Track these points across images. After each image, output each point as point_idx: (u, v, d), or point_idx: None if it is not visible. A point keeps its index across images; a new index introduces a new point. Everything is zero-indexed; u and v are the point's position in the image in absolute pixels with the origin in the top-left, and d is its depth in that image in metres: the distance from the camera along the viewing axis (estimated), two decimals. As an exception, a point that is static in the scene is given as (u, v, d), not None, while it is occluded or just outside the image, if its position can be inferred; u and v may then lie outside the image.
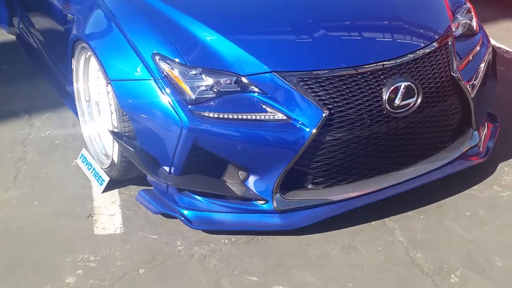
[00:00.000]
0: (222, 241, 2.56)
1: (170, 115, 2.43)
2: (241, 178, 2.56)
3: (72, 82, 3.18)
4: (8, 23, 4.83)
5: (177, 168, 2.51)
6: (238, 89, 2.47)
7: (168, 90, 2.44)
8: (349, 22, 2.78)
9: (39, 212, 2.74)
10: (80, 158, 3.12)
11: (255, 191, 2.53)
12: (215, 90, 2.45)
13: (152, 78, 2.48)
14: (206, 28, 2.57)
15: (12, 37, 4.76)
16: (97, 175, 2.95)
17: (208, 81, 2.45)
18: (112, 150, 2.76)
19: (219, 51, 2.52)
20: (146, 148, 2.57)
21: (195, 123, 2.40)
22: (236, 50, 2.52)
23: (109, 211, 2.75)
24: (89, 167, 3.03)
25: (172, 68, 2.46)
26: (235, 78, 2.46)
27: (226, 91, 2.46)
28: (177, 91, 2.44)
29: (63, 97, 3.73)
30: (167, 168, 2.54)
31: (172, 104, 2.43)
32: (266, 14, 2.76)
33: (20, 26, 4.62)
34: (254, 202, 2.55)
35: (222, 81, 2.46)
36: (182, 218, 2.56)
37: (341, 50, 2.59)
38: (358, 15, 2.82)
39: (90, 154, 3.07)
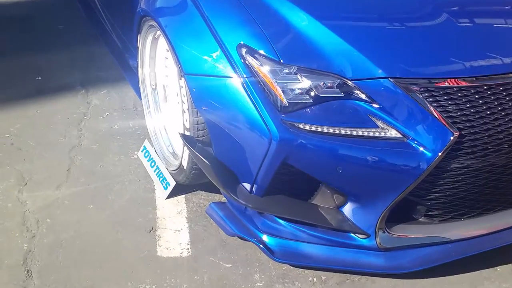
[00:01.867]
0: (310, 279, 2.11)
1: (256, 123, 1.95)
2: (336, 203, 2.10)
3: (137, 64, 2.73)
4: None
5: (261, 187, 2.05)
6: (342, 95, 1.95)
7: (255, 93, 1.95)
8: (492, 19, 2.20)
9: (95, 219, 2.34)
10: (142, 151, 2.70)
11: (354, 222, 2.06)
12: (312, 94, 1.94)
13: (236, 76, 1.99)
14: (307, 17, 2.04)
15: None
16: (161, 176, 2.53)
17: (305, 83, 1.94)
18: (182, 154, 2.32)
19: (320, 47, 1.98)
20: (223, 159, 2.12)
21: (287, 136, 1.91)
22: (343, 47, 1.98)
23: (174, 225, 2.34)
24: (152, 164, 2.61)
25: (261, 65, 1.96)
26: (338, 81, 1.94)
27: (325, 96, 1.96)
28: (266, 94, 1.95)
29: (124, 71, 3.30)
30: (247, 186, 2.08)
31: (259, 110, 1.94)
32: (383, 5, 2.21)
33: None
34: (351, 235, 2.08)
35: (322, 84, 1.95)
36: (263, 247, 2.12)
37: (481, 54, 2.02)
38: (503, 10, 2.24)
39: (154, 149, 2.65)
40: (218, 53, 2.04)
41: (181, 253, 2.21)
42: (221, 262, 2.17)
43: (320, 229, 2.11)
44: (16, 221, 2.31)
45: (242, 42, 2.00)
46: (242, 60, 1.99)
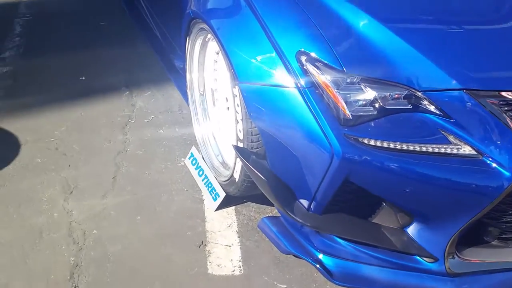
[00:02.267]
0: (372, 303, 1.98)
1: (317, 137, 1.81)
2: (400, 223, 1.95)
3: (185, 68, 2.61)
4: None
5: (320, 205, 1.91)
6: (409, 107, 1.80)
7: (316, 104, 1.81)
8: None
9: (143, 233, 2.25)
10: (189, 158, 2.59)
11: (421, 244, 1.92)
12: (377, 107, 1.78)
13: (295, 85, 1.85)
14: (371, 20, 1.88)
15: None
16: (210, 186, 2.42)
17: (369, 94, 1.79)
18: (234, 165, 2.20)
19: (386, 54, 1.82)
20: (279, 173, 1.99)
21: (350, 152, 1.76)
22: (411, 54, 1.82)
23: (225, 240, 2.22)
24: (200, 172, 2.50)
25: (322, 74, 1.82)
26: (406, 92, 1.79)
27: (391, 109, 1.80)
28: (328, 106, 1.80)
29: (169, 72, 3.20)
30: (305, 203, 1.95)
31: (320, 123, 1.80)
32: (454, 7, 2.04)
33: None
34: (417, 258, 1.93)
35: (388, 95, 1.79)
36: (320, 268, 1.99)
37: None
38: None
39: (202, 156, 2.54)
40: (275, 60, 1.90)
41: (233, 271, 2.09)
42: (275, 282, 2.05)
43: (382, 251, 1.96)
44: (62, 232, 2.23)
45: (302, 49, 1.86)
46: (301, 69, 1.85)
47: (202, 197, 2.43)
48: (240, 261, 2.13)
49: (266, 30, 1.94)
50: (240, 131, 2.07)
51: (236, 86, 2.02)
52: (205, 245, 2.20)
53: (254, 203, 2.40)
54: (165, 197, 2.44)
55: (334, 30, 1.90)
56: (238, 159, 2.14)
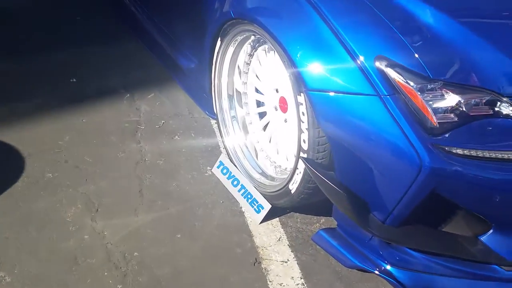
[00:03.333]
0: (449, 316, 1.93)
1: (402, 148, 1.71)
2: (474, 231, 1.90)
3: (212, 77, 2.44)
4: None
5: (398, 218, 1.82)
6: (491, 112, 1.75)
7: (399, 112, 1.72)
8: None
9: (189, 252, 2.07)
10: (218, 167, 2.42)
11: (498, 253, 1.88)
12: (462, 113, 1.72)
13: (374, 93, 1.75)
14: (450, 21, 1.82)
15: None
16: (249, 197, 2.27)
17: (452, 100, 1.72)
18: (291, 177, 2.06)
19: (470, 59, 1.78)
20: (349, 185, 1.88)
21: (439, 163, 1.68)
22: (496, 57, 1.78)
23: (279, 255, 2.09)
24: (235, 183, 2.34)
25: (407, 80, 1.73)
26: (489, 97, 1.74)
27: (477, 115, 1.74)
28: (413, 114, 1.72)
29: (172, 72, 3.01)
30: (380, 216, 1.86)
31: (406, 133, 1.71)
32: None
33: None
34: (496, 267, 1.89)
35: (471, 100, 1.73)
36: (394, 282, 1.91)
37: None
38: None
39: (235, 166, 2.39)
40: (350, 66, 1.78)
41: (297, 290, 1.98)
42: (344, 299, 1.96)
43: (457, 261, 1.91)
44: (99, 257, 2.01)
45: (380, 54, 1.76)
46: (381, 75, 1.74)
47: (241, 209, 2.28)
48: (301, 278, 2.01)
49: (336, 32, 1.81)
50: (304, 141, 1.94)
51: (302, 94, 1.89)
52: (260, 262, 2.06)
53: (297, 214, 2.28)
54: (201, 210, 2.26)
55: (413, 32, 1.81)
56: (298, 171, 2.01)
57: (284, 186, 2.10)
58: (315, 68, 1.84)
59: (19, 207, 2.19)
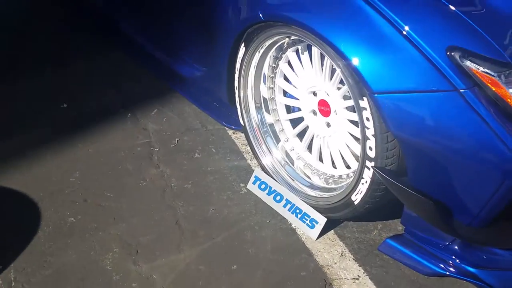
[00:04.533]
0: (545, 312, 1.82)
1: (489, 144, 1.57)
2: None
3: (236, 89, 2.24)
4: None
5: (485, 218, 1.69)
6: None
7: (483, 106, 1.57)
8: None
9: (250, 283, 1.86)
10: (254, 183, 2.23)
11: None
12: None
13: (452, 88, 1.59)
14: None
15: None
16: (299, 212, 2.09)
17: (534, 85, 1.61)
18: (353, 187, 1.88)
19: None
20: (426, 190, 1.73)
21: (534, 154, 1.57)
22: None
23: (347, 272, 1.92)
24: (278, 198, 2.15)
25: (486, 70, 1.59)
26: None
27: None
28: (498, 107, 1.58)
29: (172, 82, 2.78)
30: (465, 218, 1.72)
31: (493, 127, 1.56)
32: None
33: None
34: None
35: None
36: (481, 284, 1.78)
37: None
38: None
39: (275, 180, 2.20)
40: (419, 60, 1.62)
41: (379, 308, 1.82)
42: (432, 311, 1.82)
43: (545, 253, 1.81)
44: (156, 306, 1.80)
45: (452, 45, 1.60)
46: (456, 67, 1.59)
47: (292, 226, 2.10)
48: (380, 294, 1.86)
49: (396, 25, 1.64)
50: (371, 148, 1.77)
51: (365, 98, 1.71)
52: (330, 283, 1.89)
53: (351, 222, 2.11)
54: (249, 234, 2.07)
55: (481, 15, 1.67)
56: (363, 180, 1.84)
57: (345, 197, 1.93)
58: (379, 68, 1.66)
59: (48, 263, 1.93)
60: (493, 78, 1.58)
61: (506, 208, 1.67)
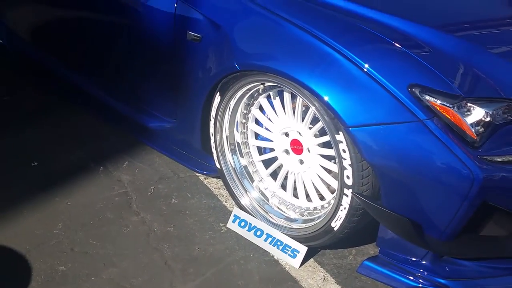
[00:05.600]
0: (507, 312, 2.05)
1: (452, 167, 1.83)
2: (508, 231, 2.06)
3: (211, 135, 2.43)
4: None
5: (452, 233, 1.93)
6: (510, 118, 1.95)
7: (442, 133, 1.84)
8: None
9: (245, 313, 2.01)
10: (233, 221, 2.38)
11: (534, 245, 2.06)
12: (490, 123, 1.89)
13: (416, 120, 1.86)
14: (460, 42, 2.03)
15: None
16: (280, 244, 2.25)
17: (480, 113, 1.89)
18: (332, 215, 2.08)
19: (484, 73, 1.97)
20: (400, 210, 1.96)
21: (488, 172, 1.83)
22: (506, 69, 2.00)
23: (333, 296, 2.10)
24: (259, 233, 2.31)
25: (442, 103, 1.86)
26: (509, 104, 1.93)
27: (501, 123, 1.92)
28: (455, 133, 1.85)
29: (138, 135, 2.91)
30: (435, 233, 1.95)
31: (453, 150, 1.83)
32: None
33: (7, 34, 3.57)
34: (533, 258, 2.07)
35: (496, 111, 1.91)
36: (454, 294, 2.01)
37: None
38: None
39: (253, 217, 2.36)
40: (385, 98, 1.88)
41: (366, 323, 2.00)
42: (412, 321, 2.01)
43: (502, 260, 2.06)
44: None
45: (412, 82, 1.88)
46: (417, 101, 1.86)
47: (274, 258, 2.25)
48: (364, 311, 2.04)
49: (366, 69, 1.90)
50: (348, 177, 1.98)
51: (341, 132, 1.94)
52: (319, 306, 2.06)
53: (328, 250, 2.30)
54: (236, 268, 2.20)
55: (433, 57, 1.96)
56: (342, 207, 2.04)
57: (325, 225, 2.12)
58: (351, 104, 1.92)
59: (45, 310, 1.99)
60: (449, 108, 1.86)
61: (469, 223, 1.93)
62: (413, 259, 2.06)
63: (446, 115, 1.86)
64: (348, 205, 2.03)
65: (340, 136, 1.96)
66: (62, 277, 2.12)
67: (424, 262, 2.05)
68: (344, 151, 1.97)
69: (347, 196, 2.02)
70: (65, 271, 2.15)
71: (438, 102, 1.86)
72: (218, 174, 2.51)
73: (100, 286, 2.08)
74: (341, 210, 2.06)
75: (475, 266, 2.05)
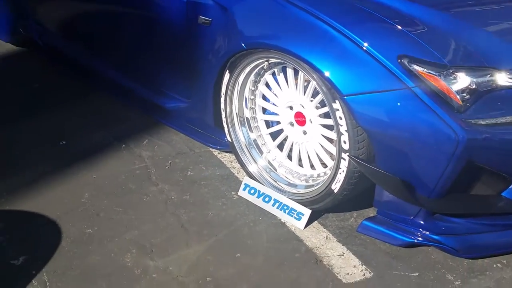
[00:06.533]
0: (495, 265, 2.21)
1: (440, 128, 2.01)
2: (496, 190, 2.23)
3: (222, 110, 2.64)
4: (10, 30, 4.01)
5: (441, 191, 2.11)
6: (495, 86, 2.11)
7: (430, 99, 2.02)
8: None
9: (254, 266, 2.21)
10: (244, 189, 2.59)
11: (520, 202, 2.22)
12: (475, 90, 2.07)
13: (405, 87, 2.04)
14: (446, 16, 2.23)
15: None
16: (286, 208, 2.45)
17: (466, 81, 2.06)
18: (332, 178, 2.27)
19: (469, 43, 2.16)
20: (393, 172, 2.14)
21: (472, 134, 2.01)
22: (488, 39, 2.18)
23: (334, 251, 2.29)
24: (267, 199, 2.51)
25: (429, 71, 2.04)
26: (492, 73, 2.10)
27: (485, 90, 2.09)
28: (441, 99, 2.03)
29: (157, 115, 3.14)
30: (425, 192, 2.14)
31: (439, 115, 2.01)
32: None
33: (37, 28, 3.83)
34: (520, 215, 2.24)
35: (481, 79, 2.09)
36: (447, 248, 2.18)
37: None
38: None
39: (261, 184, 2.57)
40: (377, 68, 2.07)
41: (363, 274, 2.18)
42: (406, 273, 2.19)
43: (490, 218, 2.24)
44: (177, 290, 2.11)
45: (401, 54, 2.06)
46: (406, 70, 2.04)
47: (281, 221, 2.46)
48: (362, 264, 2.23)
49: (358, 43, 2.09)
50: (345, 142, 2.18)
51: (337, 101, 2.13)
52: (321, 260, 2.25)
53: (331, 214, 2.49)
54: (246, 230, 2.41)
55: (420, 30, 2.15)
56: (340, 170, 2.23)
57: (326, 188, 2.32)
58: (346, 76, 2.11)
59: (76, 265, 2.21)
60: (435, 76, 2.04)
61: (457, 183, 2.10)
62: (407, 217, 2.24)
63: (433, 82, 2.04)
64: (346, 168, 2.22)
65: (336, 105, 2.15)
66: (89, 238, 2.36)
67: (417, 220, 2.23)
68: (340, 118, 2.16)
69: (344, 160, 2.21)
70: (91, 233, 2.39)
71: (425, 70, 2.04)
72: (230, 146, 2.72)
73: (123, 245, 2.31)
74: (340, 173, 2.25)
75: (466, 223, 2.22)
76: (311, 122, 2.41)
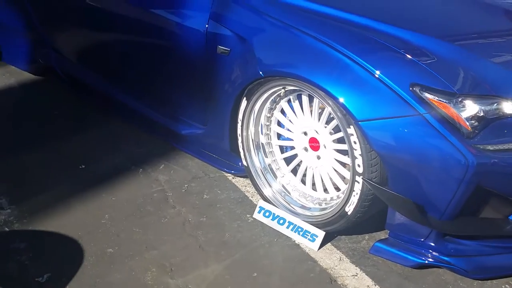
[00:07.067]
0: (503, 286, 2.29)
1: (449, 154, 2.12)
2: (504, 214, 2.32)
3: (239, 135, 2.75)
4: (28, 59, 4.14)
5: (451, 213, 2.20)
6: (501, 114, 2.22)
7: (440, 125, 2.13)
8: None
9: (270, 285, 2.29)
10: (259, 212, 2.68)
11: (527, 226, 2.31)
12: (483, 118, 2.18)
13: (416, 114, 2.15)
14: (455, 48, 2.34)
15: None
16: (300, 230, 2.54)
17: (474, 108, 2.18)
18: (345, 200, 2.37)
19: (476, 73, 2.27)
20: (405, 194, 2.24)
21: (481, 159, 2.11)
22: (495, 70, 2.30)
23: (347, 272, 2.37)
24: (281, 221, 2.60)
25: (439, 99, 2.16)
26: (499, 101, 2.21)
27: (493, 118, 2.20)
28: (451, 125, 2.14)
29: (173, 141, 3.24)
30: (436, 214, 2.23)
31: (450, 140, 2.12)
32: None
33: (55, 57, 3.95)
34: (528, 238, 2.32)
35: (488, 107, 2.20)
36: (458, 269, 2.26)
37: None
38: None
39: (276, 207, 2.66)
40: (390, 95, 2.19)
41: (377, 294, 2.26)
42: (419, 293, 2.27)
43: (500, 240, 2.32)
44: (197, 307, 2.18)
45: (413, 82, 2.18)
46: (418, 98, 2.15)
47: (295, 242, 2.54)
48: (375, 285, 2.30)
49: (371, 71, 2.21)
50: (359, 165, 2.28)
51: (352, 126, 2.24)
52: (335, 280, 2.32)
53: (343, 236, 2.58)
54: (262, 251, 2.49)
55: (431, 60, 2.26)
56: (354, 192, 2.33)
57: (340, 210, 2.41)
58: (360, 102, 2.22)
59: (98, 283, 2.29)
60: (446, 104, 2.15)
61: (467, 206, 2.20)
62: (419, 239, 2.33)
63: (444, 109, 2.15)
64: (359, 191, 2.31)
65: (351, 130, 2.26)
66: (110, 257, 2.44)
67: (429, 242, 2.31)
68: (355, 142, 2.27)
69: (358, 182, 2.30)
70: (112, 252, 2.47)
71: (436, 98, 2.15)
72: (245, 171, 2.81)
73: (144, 264, 2.39)
74: (354, 196, 2.34)
75: (475, 245, 2.31)
76: (325, 147, 2.51)
